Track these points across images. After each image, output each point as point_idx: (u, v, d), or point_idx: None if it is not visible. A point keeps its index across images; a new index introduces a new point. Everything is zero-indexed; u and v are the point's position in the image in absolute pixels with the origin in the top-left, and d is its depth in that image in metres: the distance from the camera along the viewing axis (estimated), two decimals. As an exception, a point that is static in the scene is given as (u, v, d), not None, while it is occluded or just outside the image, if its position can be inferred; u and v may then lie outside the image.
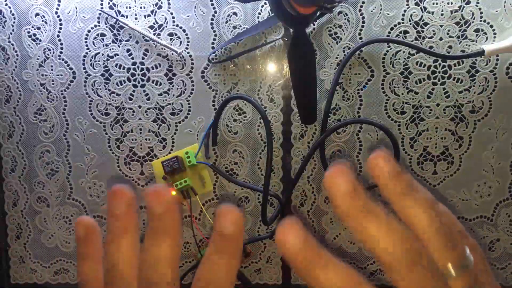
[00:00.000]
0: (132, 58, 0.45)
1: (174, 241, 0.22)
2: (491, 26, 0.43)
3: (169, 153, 0.46)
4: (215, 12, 0.44)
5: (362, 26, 0.44)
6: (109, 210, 0.23)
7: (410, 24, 0.44)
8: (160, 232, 0.22)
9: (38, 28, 0.45)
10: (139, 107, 0.46)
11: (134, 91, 0.46)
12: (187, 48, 0.45)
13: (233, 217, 0.22)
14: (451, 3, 0.43)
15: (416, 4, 0.43)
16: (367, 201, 0.20)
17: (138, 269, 0.23)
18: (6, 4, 0.45)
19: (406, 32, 0.44)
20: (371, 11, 0.44)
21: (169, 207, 0.22)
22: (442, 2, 0.43)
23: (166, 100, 0.46)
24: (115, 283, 0.23)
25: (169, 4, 0.45)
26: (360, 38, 0.44)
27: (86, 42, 0.45)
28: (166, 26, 0.45)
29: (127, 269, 0.23)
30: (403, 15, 0.44)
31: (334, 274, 0.20)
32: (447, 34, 0.44)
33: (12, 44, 0.46)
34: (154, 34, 0.45)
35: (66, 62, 0.46)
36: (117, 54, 0.45)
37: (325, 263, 0.20)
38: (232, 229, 0.21)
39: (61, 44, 0.45)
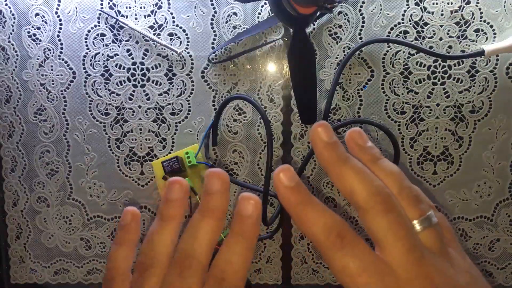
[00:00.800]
0: (132, 58, 0.45)
1: (217, 222, 0.23)
2: (491, 26, 0.43)
3: (169, 153, 0.46)
4: (215, 12, 0.44)
5: (362, 26, 0.44)
6: (163, 196, 0.25)
7: (410, 24, 0.44)
8: (208, 209, 0.23)
9: (38, 28, 0.45)
10: (139, 107, 0.46)
11: (134, 91, 0.46)
12: (187, 48, 0.45)
13: (253, 201, 0.23)
14: (451, 3, 0.43)
15: (416, 4, 0.43)
16: (345, 153, 0.23)
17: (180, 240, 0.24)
18: (6, 4, 0.45)
19: (406, 32, 0.44)
20: (371, 11, 0.44)
21: (223, 189, 0.23)
22: (442, 2, 0.43)
23: (166, 100, 0.46)
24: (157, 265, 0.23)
25: (169, 4, 0.45)
26: (360, 38, 0.44)
27: (86, 42, 0.45)
28: (166, 26, 0.45)
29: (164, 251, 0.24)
30: (403, 15, 0.44)
31: (322, 214, 0.22)
32: (447, 34, 0.44)
33: (12, 44, 0.46)
34: (154, 34, 0.45)
35: (66, 62, 0.46)
36: (117, 54, 0.45)
37: (314, 204, 0.22)
38: (251, 211, 0.23)
39: (61, 44, 0.45)
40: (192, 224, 0.23)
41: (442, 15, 0.43)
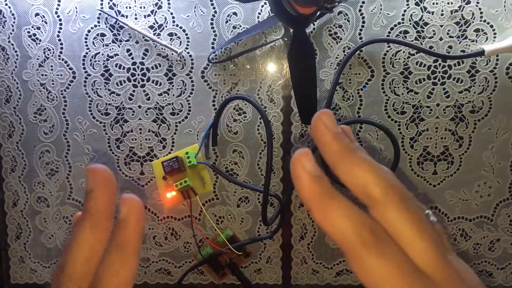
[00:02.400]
0: (132, 58, 0.45)
1: (96, 227, 0.21)
2: (491, 26, 0.43)
3: (169, 153, 0.46)
4: (215, 12, 0.44)
5: (362, 26, 0.44)
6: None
7: (410, 24, 0.44)
8: (86, 210, 0.22)
9: (38, 28, 0.45)
10: (139, 107, 0.46)
11: (134, 91, 0.46)
12: (187, 48, 0.45)
13: (129, 202, 0.21)
14: (451, 3, 0.43)
15: (416, 4, 0.43)
16: (351, 144, 0.20)
17: None
18: (6, 4, 0.45)
19: (406, 32, 0.44)
20: (371, 11, 0.44)
21: (102, 183, 0.22)
22: (442, 2, 0.43)
23: (166, 100, 0.46)
24: None
25: (169, 4, 0.44)
26: (360, 38, 0.44)
27: (86, 42, 0.45)
28: (166, 26, 0.45)
29: None
30: (403, 15, 0.44)
31: (351, 207, 0.19)
32: (447, 34, 0.44)
33: (12, 44, 0.46)
34: (154, 34, 0.45)
35: (66, 62, 0.46)
36: (117, 54, 0.45)
37: (339, 196, 0.19)
38: (125, 214, 0.21)
39: (61, 44, 0.45)
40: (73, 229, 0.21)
41: (442, 15, 0.43)
